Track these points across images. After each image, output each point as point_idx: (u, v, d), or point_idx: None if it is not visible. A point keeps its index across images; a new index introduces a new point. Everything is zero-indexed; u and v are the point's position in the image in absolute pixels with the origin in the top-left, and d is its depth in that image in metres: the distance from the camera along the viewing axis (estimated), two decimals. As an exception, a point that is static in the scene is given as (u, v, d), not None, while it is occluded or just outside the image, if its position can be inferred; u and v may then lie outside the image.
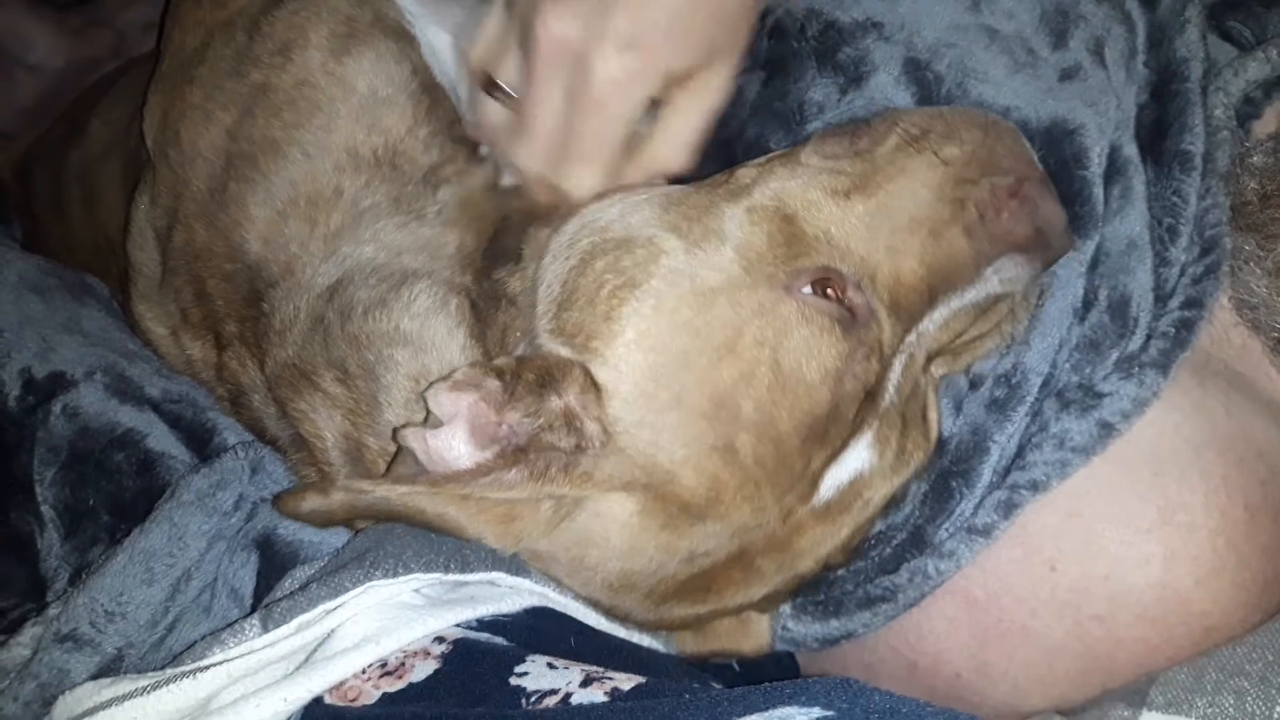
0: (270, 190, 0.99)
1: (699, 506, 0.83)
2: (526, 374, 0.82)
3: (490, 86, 0.96)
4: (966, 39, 1.02)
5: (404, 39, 1.04)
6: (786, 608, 1.01)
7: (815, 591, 1.00)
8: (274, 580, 0.92)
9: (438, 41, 1.06)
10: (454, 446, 0.81)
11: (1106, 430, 0.93)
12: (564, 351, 0.85)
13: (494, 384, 0.81)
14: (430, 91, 1.03)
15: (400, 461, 0.84)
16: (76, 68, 1.60)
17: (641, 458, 0.82)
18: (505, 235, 0.96)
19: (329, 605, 0.78)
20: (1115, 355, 0.96)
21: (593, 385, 0.83)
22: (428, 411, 0.82)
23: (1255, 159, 0.99)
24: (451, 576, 0.82)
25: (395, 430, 0.85)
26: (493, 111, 0.97)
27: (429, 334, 0.92)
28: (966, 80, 1.01)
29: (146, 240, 1.11)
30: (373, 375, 0.92)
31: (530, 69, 0.91)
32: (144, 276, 1.13)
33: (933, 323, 0.89)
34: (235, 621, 0.81)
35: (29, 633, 0.92)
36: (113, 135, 1.33)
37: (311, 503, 0.82)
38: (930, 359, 0.93)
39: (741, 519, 0.84)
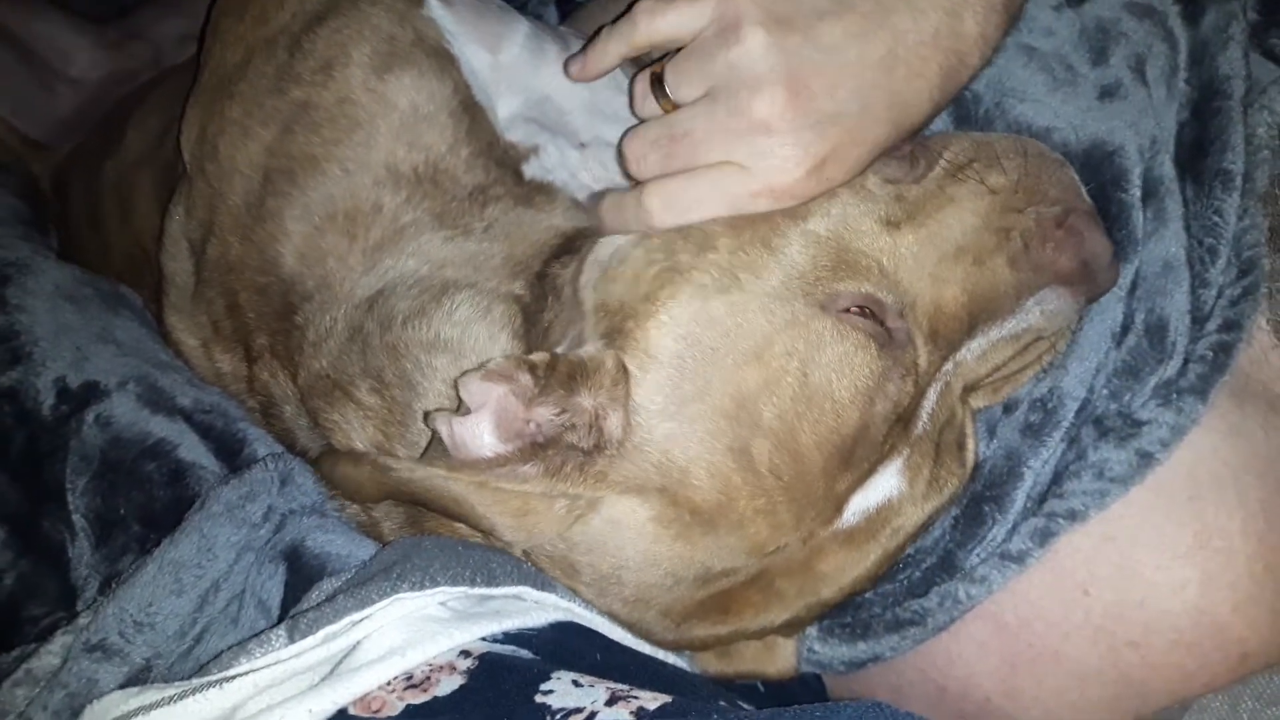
0: (308, 205, 0.99)
1: (710, 512, 0.82)
2: (560, 368, 0.83)
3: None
4: (1004, 57, 1.01)
5: (444, 58, 1.04)
6: (813, 630, 1.00)
7: (842, 614, 1.00)
8: (301, 592, 0.92)
9: (477, 61, 1.07)
10: (478, 434, 0.82)
11: (1146, 460, 0.92)
12: (601, 328, 0.87)
13: (526, 379, 0.82)
14: (470, 110, 1.03)
15: (433, 448, 0.85)
16: (114, 80, 1.62)
17: (657, 453, 0.82)
18: (577, 239, 0.97)
19: (355, 617, 0.78)
20: (1153, 381, 0.94)
21: (624, 373, 0.83)
22: (460, 399, 0.82)
23: (1294, 179, 0.98)
24: (477, 590, 0.82)
25: (427, 414, 0.86)
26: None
27: (469, 341, 0.92)
28: (1005, 99, 1.01)
29: (180, 252, 1.12)
30: (409, 384, 0.93)
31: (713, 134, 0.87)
32: (176, 288, 1.13)
33: (970, 352, 0.89)
34: (262, 632, 0.82)
35: (59, 641, 0.92)
36: (147, 145, 1.34)
37: (344, 468, 0.86)
38: (968, 391, 0.92)
39: (757, 535, 0.83)
